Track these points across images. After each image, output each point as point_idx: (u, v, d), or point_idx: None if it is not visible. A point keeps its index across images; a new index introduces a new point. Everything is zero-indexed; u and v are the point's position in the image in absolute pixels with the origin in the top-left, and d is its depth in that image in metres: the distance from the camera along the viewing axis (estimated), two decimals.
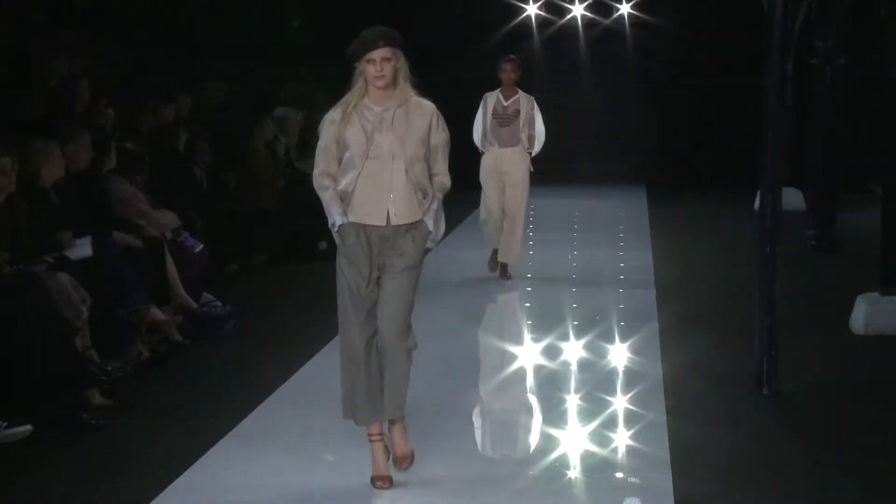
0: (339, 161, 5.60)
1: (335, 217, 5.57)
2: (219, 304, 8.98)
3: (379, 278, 5.60)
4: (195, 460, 6.02)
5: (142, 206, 8.87)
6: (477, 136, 10.78)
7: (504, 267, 10.81)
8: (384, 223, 5.54)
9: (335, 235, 5.64)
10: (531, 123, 10.64)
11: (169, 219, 9.04)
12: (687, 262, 11.91)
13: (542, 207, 16.46)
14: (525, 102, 10.64)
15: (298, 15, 16.12)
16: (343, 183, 5.58)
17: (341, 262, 5.62)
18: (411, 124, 5.56)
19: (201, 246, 9.22)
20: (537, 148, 10.69)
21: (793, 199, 14.18)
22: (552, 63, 18.93)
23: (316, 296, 10.35)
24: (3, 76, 9.23)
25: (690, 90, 18.49)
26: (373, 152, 5.52)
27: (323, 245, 11.80)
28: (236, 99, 13.28)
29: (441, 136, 5.64)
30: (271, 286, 10.74)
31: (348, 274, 5.58)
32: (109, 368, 7.32)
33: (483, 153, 10.76)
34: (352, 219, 5.56)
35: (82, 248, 7.60)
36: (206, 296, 9.05)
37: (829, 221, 12.59)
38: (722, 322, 9.09)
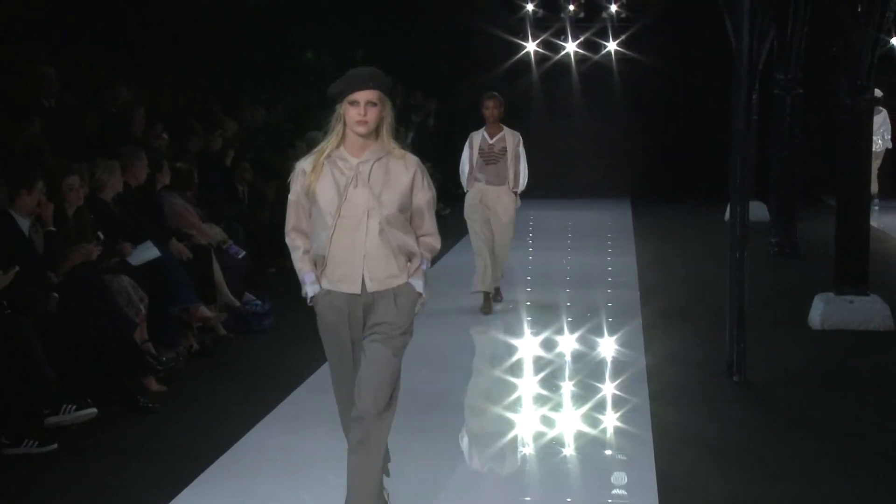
0: (310, 215, 4.46)
1: (307, 287, 4.44)
2: (258, 302, 8.97)
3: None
4: (239, 438, 6.03)
5: (192, 218, 8.87)
6: (463, 176, 9.36)
7: (487, 299, 9.30)
8: (359, 290, 4.36)
9: (311, 304, 4.54)
10: (517, 160, 9.18)
11: (216, 232, 9.04)
12: (666, 266, 11.87)
13: (539, 218, 16.45)
14: (511, 139, 9.17)
15: (322, 50, 16.09)
16: (315, 245, 4.42)
17: (321, 334, 4.55)
18: (391, 180, 4.35)
19: (243, 252, 9.22)
20: (522, 185, 9.23)
21: (758, 211, 14.12)
22: (549, 94, 18.93)
23: None
24: (71, 105, 9.25)
25: (669, 116, 18.47)
26: (345, 210, 4.31)
27: None
28: (273, 124, 13.30)
29: (427, 194, 4.45)
30: None
31: (329, 348, 4.52)
32: (164, 359, 7.34)
33: (467, 191, 9.33)
34: (325, 286, 4.42)
35: (148, 251, 7.59)
36: (248, 295, 9.05)
37: (790, 230, 12.55)
38: (697, 318, 9.06)
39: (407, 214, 4.42)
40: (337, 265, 4.36)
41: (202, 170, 9.62)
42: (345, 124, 4.38)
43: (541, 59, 18.96)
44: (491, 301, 9.30)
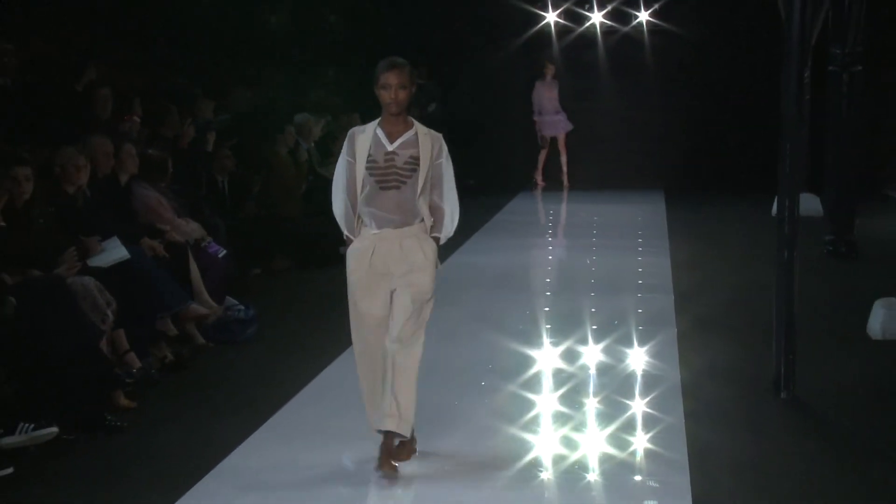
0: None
1: None
2: (241, 307, 8.99)
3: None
4: (217, 463, 6.03)
5: (166, 213, 8.90)
6: (339, 208, 5.94)
7: (389, 442, 5.82)
8: None
9: None
10: (437, 182, 5.90)
11: (193, 228, 9.07)
12: (705, 267, 11.86)
13: (560, 213, 16.46)
14: (427, 144, 5.83)
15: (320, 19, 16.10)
16: None
17: None
18: None
19: (224, 251, 9.25)
20: (448, 229, 5.99)
21: (810, 204, 14.11)
22: (571, 70, 18.89)
23: (336, 300, 10.42)
24: (30, 83, 9.28)
25: (708, 96, 18.45)
26: None
27: (344, 249, 11.82)
28: (260, 106, 13.33)
29: None
30: (293, 290, 10.76)
31: None
32: (134, 371, 7.37)
33: (349, 241, 5.97)
34: None
35: (115, 251, 7.62)
36: (229, 299, 9.07)
37: (847, 227, 12.51)
38: (740, 327, 9.06)
39: None
40: None
41: (178, 158, 9.65)
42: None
43: (562, 30, 18.95)
44: (378, 428, 5.87)
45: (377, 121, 5.87)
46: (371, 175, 5.79)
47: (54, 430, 6.26)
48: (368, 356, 5.91)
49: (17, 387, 6.24)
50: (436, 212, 5.93)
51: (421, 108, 17.27)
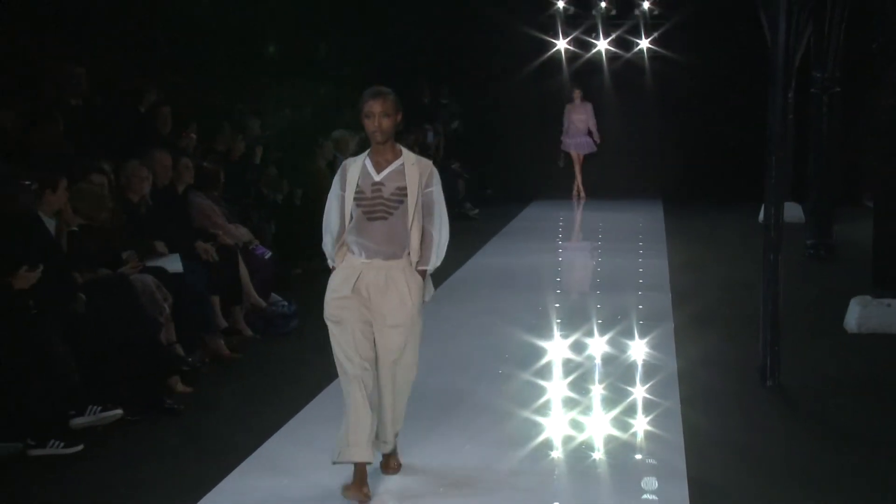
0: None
1: None
2: (285, 303, 9.04)
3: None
4: (263, 441, 6.08)
5: (218, 219, 8.96)
6: (328, 238, 5.36)
7: (363, 469, 5.21)
8: None
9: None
10: (428, 210, 5.28)
11: (242, 233, 9.12)
12: (699, 269, 11.84)
13: (569, 219, 16.46)
14: (414, 174, 5.23)
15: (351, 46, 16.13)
16: None
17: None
18: None
19: (270, 253, 9.30)
20: (435, 259, 5.32)
21: (794, 212, 14.10)
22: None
23: None
24: (99, 104, 9.36)
25: (702, 115, 18.40)
26: None
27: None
28: (299, 123, 13.38)
29: None
30: None
31: None
32: (190, 359, 7.42)
33: (333, 268, 5.39)
34: None
35: (174, 265, 7.68)
36: (274, 296, 9.12)
37: (826, 232, 12.50)
38: (730, 321, 9.05)
39: None
40: None
41: (229, 170, 9.71)
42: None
43: (571, 57, 18.95)
44: (364, 480, 5.20)
45: (368, 151, 5.32)
46: (358, 206, 5.19)
47: (119, 411, 6.33)
48: (352, 366, 5.25)
49: (86, 373, 6.30)
50: (425, 237, 5.27)
51: (445, 126, 17.30)
